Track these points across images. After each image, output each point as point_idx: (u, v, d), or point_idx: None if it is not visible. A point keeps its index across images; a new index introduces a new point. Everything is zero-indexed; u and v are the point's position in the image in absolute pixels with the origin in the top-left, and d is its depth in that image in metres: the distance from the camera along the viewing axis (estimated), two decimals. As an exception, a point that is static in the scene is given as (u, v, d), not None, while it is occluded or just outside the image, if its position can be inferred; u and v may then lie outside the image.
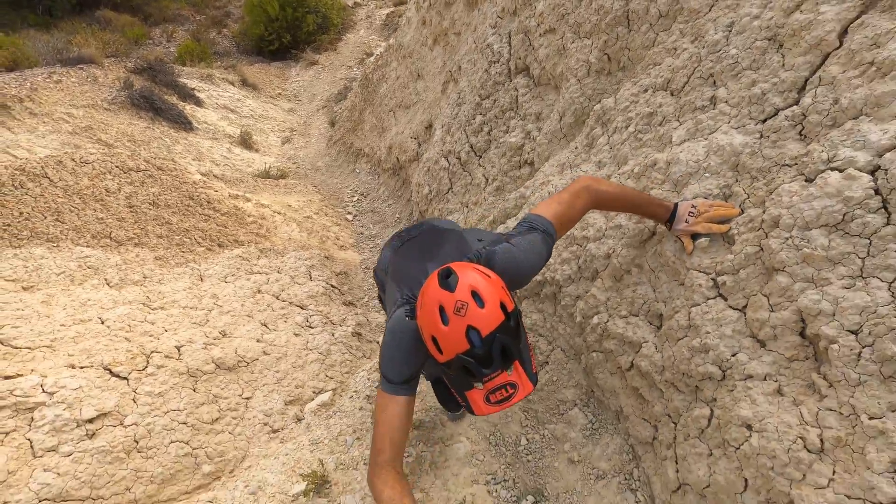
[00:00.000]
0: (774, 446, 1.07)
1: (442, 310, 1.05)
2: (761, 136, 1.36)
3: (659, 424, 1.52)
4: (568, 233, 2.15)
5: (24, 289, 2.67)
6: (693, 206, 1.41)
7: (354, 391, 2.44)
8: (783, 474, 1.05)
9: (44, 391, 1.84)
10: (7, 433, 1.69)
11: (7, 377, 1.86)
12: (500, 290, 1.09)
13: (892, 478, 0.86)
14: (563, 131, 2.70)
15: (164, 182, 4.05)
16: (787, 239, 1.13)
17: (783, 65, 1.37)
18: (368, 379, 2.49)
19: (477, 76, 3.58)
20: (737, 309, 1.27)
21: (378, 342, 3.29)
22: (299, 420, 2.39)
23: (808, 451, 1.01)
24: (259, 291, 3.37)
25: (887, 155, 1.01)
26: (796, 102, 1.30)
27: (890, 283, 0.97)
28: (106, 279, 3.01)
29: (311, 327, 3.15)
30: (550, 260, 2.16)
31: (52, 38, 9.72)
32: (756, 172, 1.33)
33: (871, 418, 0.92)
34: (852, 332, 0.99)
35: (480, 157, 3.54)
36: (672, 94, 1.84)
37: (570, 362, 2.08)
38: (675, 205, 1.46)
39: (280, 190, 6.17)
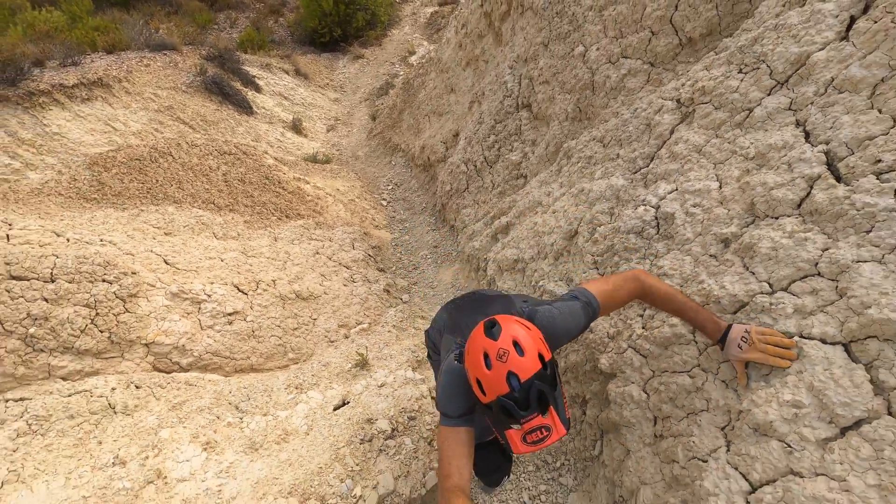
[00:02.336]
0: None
1: (486, 356, 1.17)
2: (632, 182, 2.43)
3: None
4: (531, 227, 3.23)
5: (166, 234, 3.91)
6: (746, 332, 1.40)
7: (384, 322, 3.61)
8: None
9: (205, 293, 3.05)
10: (189, 313, 2.91)
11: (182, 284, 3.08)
12: (539, 342, 1.21)
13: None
14: (546, 157, 3.77)
15: (248, 164, 5.27)
16: (622, 239, 2.22)
17: (648, 143, 2.43)
18: (395, 315, 3.65)
19: (494, 104, 4.66)
20: (601, 274, 2.36)
21: (402, 300, 4.44)
22: (347, 337, 3.57)
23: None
24: (317, 253, 4.56)
25: (663, 200, 2.08)
26: (647, 166, 2.37)
27: (652, 261, 2.05)
28: (213, 233, 4.23)
29: (354, 282, 4.33)
30: (524, 245, 3.27)
31: (132, 18, 11.05)
32: (624, 203, 2.40)
33: (630, 320, 2.02)
34: (633, 283, 2.07)
35: (491, 167, 4.63)
36: (604, 146, 2.90)
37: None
38: (729, 326, 1.46)
39: (327, 174, 7.33)
